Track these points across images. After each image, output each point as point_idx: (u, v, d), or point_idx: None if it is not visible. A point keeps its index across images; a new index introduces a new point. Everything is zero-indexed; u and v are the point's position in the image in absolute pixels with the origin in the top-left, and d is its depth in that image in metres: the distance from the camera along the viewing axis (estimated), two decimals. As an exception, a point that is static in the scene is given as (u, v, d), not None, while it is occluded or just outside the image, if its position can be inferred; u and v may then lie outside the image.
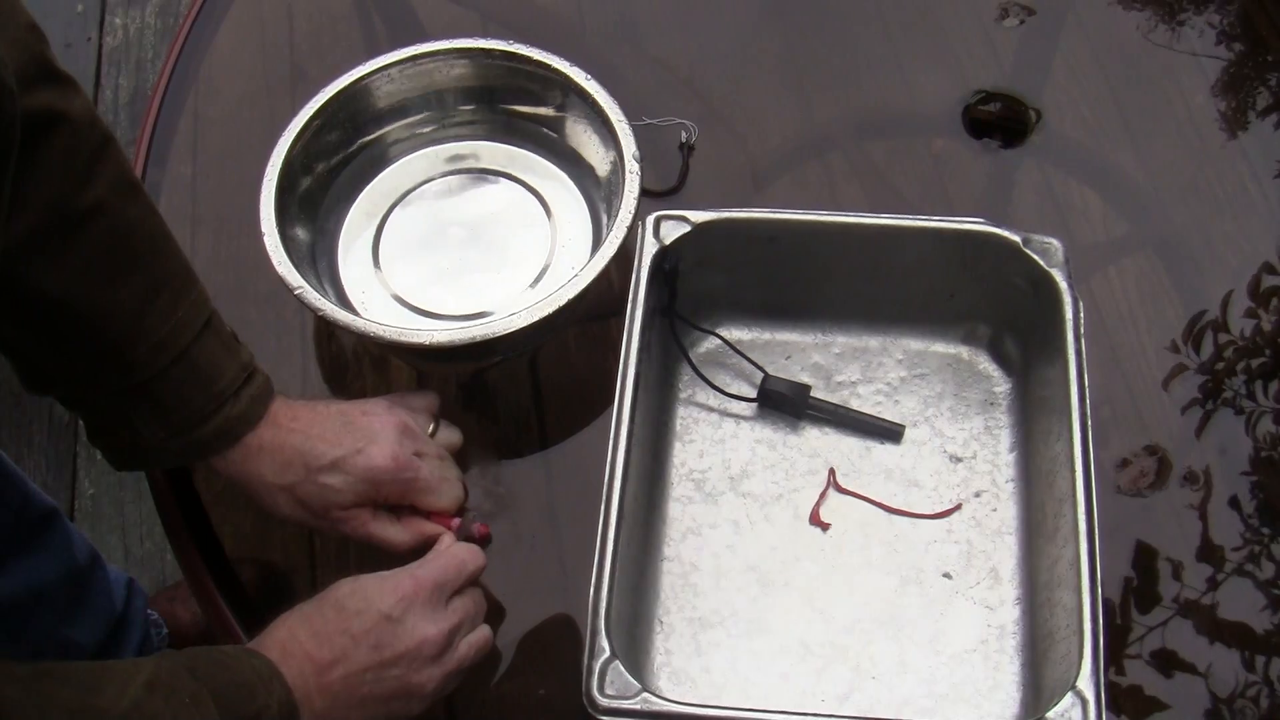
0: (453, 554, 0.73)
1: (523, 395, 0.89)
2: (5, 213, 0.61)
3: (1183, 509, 0.82)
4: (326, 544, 0.83)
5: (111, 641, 1.17)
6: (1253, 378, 0.87)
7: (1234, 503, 0.82)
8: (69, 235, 0.65)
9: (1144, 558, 0.80)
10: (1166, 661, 0.76)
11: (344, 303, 0.87)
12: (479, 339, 0.79)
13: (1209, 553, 0.80)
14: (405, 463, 0.75)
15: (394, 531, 0.76)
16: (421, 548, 0.76)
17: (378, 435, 0.75)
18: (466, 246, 0.91)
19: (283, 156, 0.86)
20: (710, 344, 0.87)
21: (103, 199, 0.67)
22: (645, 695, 0.65)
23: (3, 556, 1.02)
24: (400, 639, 0.68)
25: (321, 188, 0.91)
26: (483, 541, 0.80)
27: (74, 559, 1.11)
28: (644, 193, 0.84)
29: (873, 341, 0.87)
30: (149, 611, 1.26)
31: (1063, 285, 0.77)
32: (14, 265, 0.63)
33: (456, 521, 0.79)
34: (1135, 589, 0.78)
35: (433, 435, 0.81)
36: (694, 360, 0.84)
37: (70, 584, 1.11)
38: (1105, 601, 0.67)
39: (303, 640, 0.67)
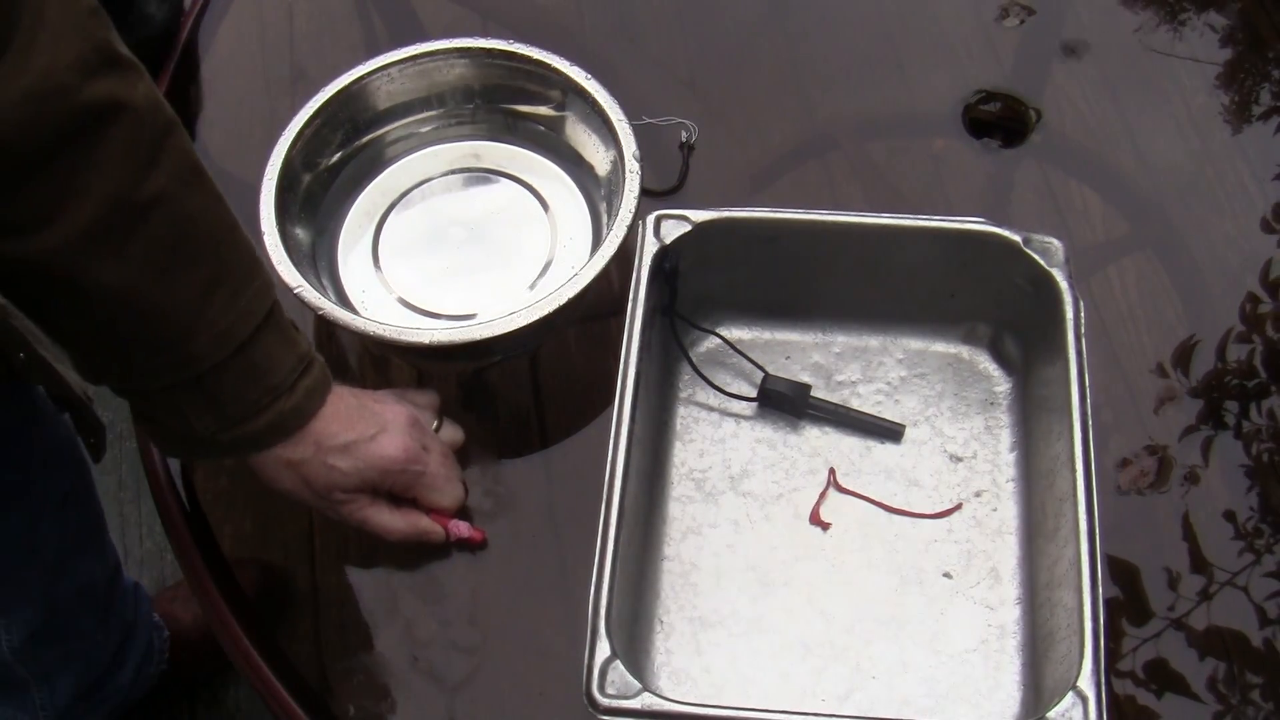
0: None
1: (523, 395, 0.89)
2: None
3: (1183, 509, 0.82)
4: (327, 544, 0.83)
5: (121, 649, 1.17)
6: (1250, 397, 0.87)
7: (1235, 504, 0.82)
8: (130, 227, 0.63)
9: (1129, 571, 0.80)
10: (1158, 672, 0.76)
11: (344, 302, 0.87)
12: (479, 339, 0.79)
13: (1210, 557, 0.80)
14: (415, 455, 0.76)
15: (390, 519, 0.76)
16: (414, 540, 0.77)
17: (390, 424, 0.75)
18: (466, 246, 0.91)
19: (283, 156, 0.86)
20: (710, 343, 0.87)
21: (165, 189, 0.64)
22: (646, 695, 0.65)
23: (64, 557, 1.01)
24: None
25: (321, 187, 0.91)
26: (474, 545, 0.80)
27: (109, 564, 1.11)
28: (644, 192, 0.84)
29: (873, 341, 0.87)
30: (152, 615, 1.26)
31: (1063, 285, 0.77)
32: (74, 258, 0.61)
33: (452, 523, 0.79)
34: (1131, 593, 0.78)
35: (436, 432, 0.81)
36: (694, 360, 0.84)
37: (108, 588, 1.11)
38: (1105, 602, 0.66)
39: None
